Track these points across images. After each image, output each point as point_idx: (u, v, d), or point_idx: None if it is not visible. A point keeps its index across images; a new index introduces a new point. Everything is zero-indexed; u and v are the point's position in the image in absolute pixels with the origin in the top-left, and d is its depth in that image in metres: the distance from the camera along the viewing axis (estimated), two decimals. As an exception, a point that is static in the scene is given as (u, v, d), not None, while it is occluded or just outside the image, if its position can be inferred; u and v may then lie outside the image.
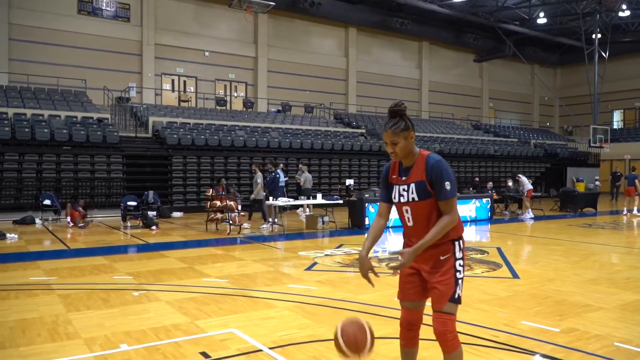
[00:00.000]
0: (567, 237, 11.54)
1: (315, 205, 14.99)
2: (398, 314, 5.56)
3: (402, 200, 2.97)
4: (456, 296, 2.92)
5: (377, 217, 3.14)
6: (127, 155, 17.71)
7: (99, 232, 12.45)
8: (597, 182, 25.87)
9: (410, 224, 2.98)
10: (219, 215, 12.47)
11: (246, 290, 6.28)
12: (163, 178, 18.36)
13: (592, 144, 26.63)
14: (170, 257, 8.71)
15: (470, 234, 13.14)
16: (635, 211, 17.03)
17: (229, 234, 11.90)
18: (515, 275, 7.15)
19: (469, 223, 14.76)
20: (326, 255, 9.00)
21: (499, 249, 9.57)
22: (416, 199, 2.90)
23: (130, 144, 18.60)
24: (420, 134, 26.77)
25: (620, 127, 34.70)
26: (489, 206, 15.68)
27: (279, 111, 25.93)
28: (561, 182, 28.48)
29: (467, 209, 15.12)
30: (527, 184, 16.24)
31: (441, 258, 2.94)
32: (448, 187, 2.81)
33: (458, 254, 2.97)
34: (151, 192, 15.84)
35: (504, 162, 27.71)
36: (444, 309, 2.90)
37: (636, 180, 16.78)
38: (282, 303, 5.68)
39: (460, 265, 2.97)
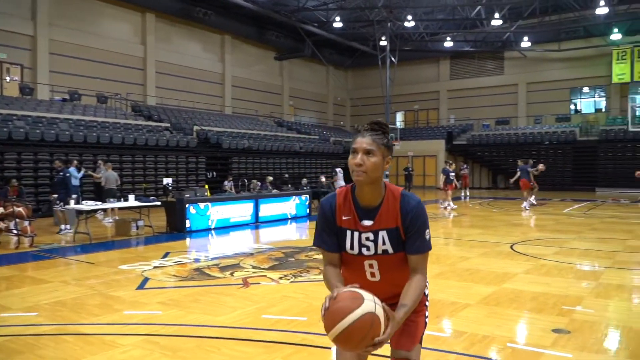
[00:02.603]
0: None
1: (120, 208, 13.17)
2: (276, 335, 4.83)
3: (365, 252, 2.24)
4: (422, 338, 2.38)
5: (330, 267, 2.29)
6: None
7: None
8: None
9: (375, 279, 2.30)
10: (1, 224, 10.01)
11: (70, 326, 4.82)
12: None
13: (385, 142, 29.04)
14: (-62, 286, 6.50)
15: (292, 232, 12.92)
16: (448, 204, 17.99)
17: (16, 247, 9.61)
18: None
19: (289, 221, 14.56)
20: (155, 267, 7.71)
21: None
22: (389, 251, 2.22)
23: None
24: (228, 130, 26.01)
25: (402, 127, 38.78)
26: (307, 203, 15.69)
27: (65, 100, 22.54)
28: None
29: (287, 206, 14.90)
30: (340, 180, 16.75)
31: None
32: (428, 237, 2.23)
33: (426, 290, 2.44)
34: None
35: (308, 158, 28.53)
36: (413, 356, 2.29)
37: (442, 175, 17.42)
38: (125, 339, 4.44)
39: (427, 301, 2.46)
